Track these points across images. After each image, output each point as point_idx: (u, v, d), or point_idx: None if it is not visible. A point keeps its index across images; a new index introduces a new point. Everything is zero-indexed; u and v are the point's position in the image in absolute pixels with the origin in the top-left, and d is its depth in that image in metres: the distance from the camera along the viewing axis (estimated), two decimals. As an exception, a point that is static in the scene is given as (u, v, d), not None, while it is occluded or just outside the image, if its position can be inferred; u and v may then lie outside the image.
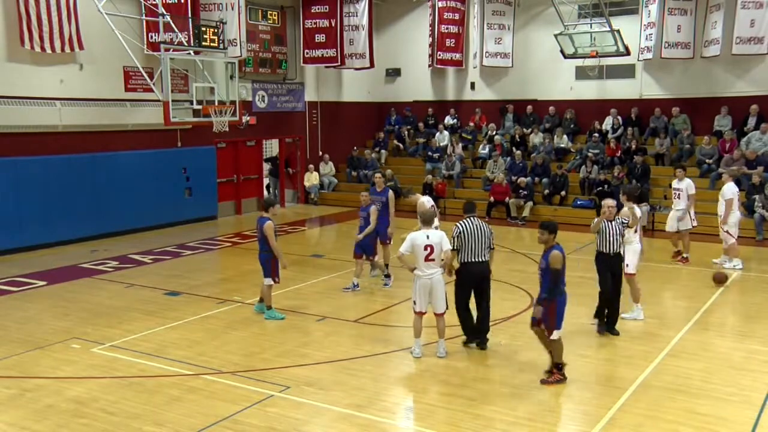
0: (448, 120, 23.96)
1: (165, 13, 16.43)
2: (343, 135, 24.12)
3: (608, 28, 19.23)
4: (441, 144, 22.96)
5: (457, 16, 23.21)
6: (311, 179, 23.14)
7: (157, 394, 7.86)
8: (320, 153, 23.65)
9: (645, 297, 10.73)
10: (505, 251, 15.78)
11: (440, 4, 22.85)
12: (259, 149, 22.57)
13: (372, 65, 22.88)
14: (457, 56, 23.46)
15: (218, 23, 17.14)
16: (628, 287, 10.32)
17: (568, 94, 22.42)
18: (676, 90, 20.90)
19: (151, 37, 17.23)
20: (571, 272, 11.76)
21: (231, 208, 20.98)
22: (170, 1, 17.13)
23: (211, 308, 11.21)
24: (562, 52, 20.55)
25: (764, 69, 19.46)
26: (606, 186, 18.81)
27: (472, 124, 23.62)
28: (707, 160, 19.06)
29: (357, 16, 22.30)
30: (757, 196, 16.88)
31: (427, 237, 8.71)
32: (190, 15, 17.41)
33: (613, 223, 9.58)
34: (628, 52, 19.74)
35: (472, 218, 9.11)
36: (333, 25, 21.69)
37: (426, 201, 11.76)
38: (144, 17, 17.15)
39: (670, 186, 19.00)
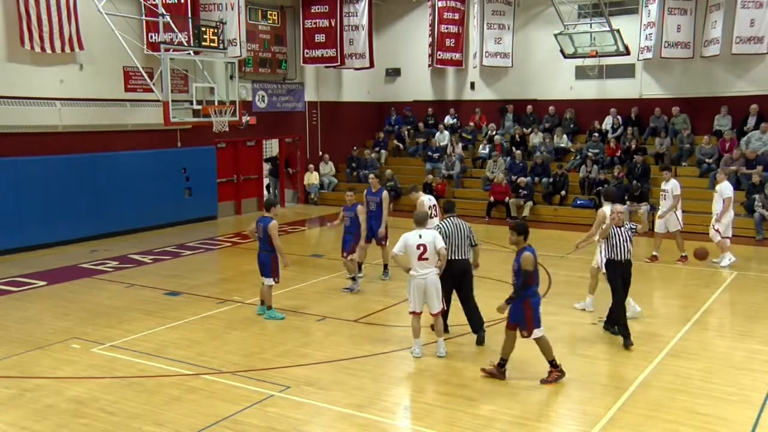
0: (448, 120, 23.96)
1: (165, 13, 16.44)
2: (343, 135, 24.12)
3: (608, 28, 19.23)
4: (441, 144, 22.96)
5: (456, 16, 23.21)
6: (311, 179, 23.13)
7: (157, 394, 7.86)
8: (320, 153, 23.66)
9: (646, 297, 10.75)
10: (506, 251, 15.77)
11: (440, 4, 22.85)
12: (259, 149, 22.57)
13: (372, 65, 22.88)
14: (456, 56, 23.46)
15: (218, 23, 17.15)
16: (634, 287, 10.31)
17: (568, 93, 22.42)
18: (676, 90, 20.89)
19: (151, 37, 17.24)
20: (571, 272, 11.84)
21: (231, 208, 20.98)
22: (170, 1, 17.14)
23: (211, 308, 11.21)
24: (562, 51, 20.55)
25: (764, 69, 19.46)
26: (606, 186, 18.79)
27: (472, 123, 23.62)
28: (707, 160, 19.06)
29: (357, 16, 22.30)
30: (757, 196, 16.87)
31: (420, 236, 8.73)
32: (190, 15, 17.42)
33: (622, 229, 9.36)
34: (628, 52, 19.74)
35: (452, 218, 9.51)
36: (333, 25, 21.70)
37: (426, 200, 11.78)
38: (144, 17, 17.15)
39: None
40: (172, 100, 16.11)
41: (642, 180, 18.80)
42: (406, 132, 24.50)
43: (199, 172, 19.40)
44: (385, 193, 12.81)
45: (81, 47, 16.14)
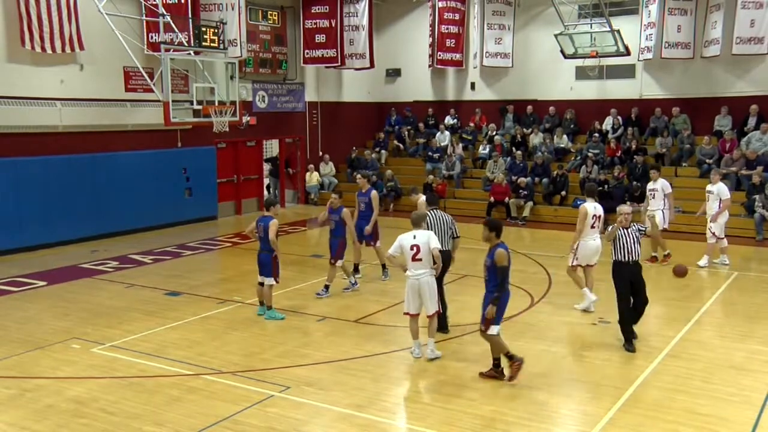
0: (449, 120, 23.97)
1: (165, 13, 16.44)
2: (344, 135, 24.12)
3: (608, 28, 19.23)
4: (441, 144, 22.96)
5: (457, 17, 23.21)
6: (312, 179, 23.13)
7: (157, 394, 7.86)
8: (320, 153, 23.65)
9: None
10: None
11: (440, 4, 22.85)
12: (259, 149, 22.57)
13: (372, 65, 22.88)
14: (457, 56, 23.46)
15: (218, 23, 17.15)
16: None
17: (568, 94, 22.41)
18: (676, 90, 20.89)
19: (152, 37, 17.24)
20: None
21: (231, 209, 20.98)
22: (170, 2, 17.14)
23: (211, 308, 11.21)
24: (562, 52, 20.55)
25: (764, 69, 19.46)
26: (606, 186, 18.80)
27: (472, 124, 23.62)
28: (707, 160, 19.05)
29: (357, 16, 22.30)
30: (757, 196, 16.87)
31: (414, 237, 8.73)
32: (190, 15, 17.42)
33: (629, 230, 9.21)
34: (628, 52, 19.74)
35: (434, 210, 9.96)
36: (333, 25, 21.70)
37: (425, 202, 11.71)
38: (144, 17, 17.16)
39: (670, 186, 19.16)
40: (173, 101, 16.11)
41: (642, 180, 18.74)
42: (406, 132, 24.50)
43: (200, 172, 19.40)
44: (374, 192, 12.85)
45: (81, 47, 16.14)
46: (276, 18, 21.81)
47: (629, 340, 9.13)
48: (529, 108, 22.81)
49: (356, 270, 13.02)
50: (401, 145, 24.26)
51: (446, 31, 23.06)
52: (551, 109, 22.54)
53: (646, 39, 20.00)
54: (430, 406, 7.63)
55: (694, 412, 7.32)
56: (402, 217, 17.52)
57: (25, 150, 15.56)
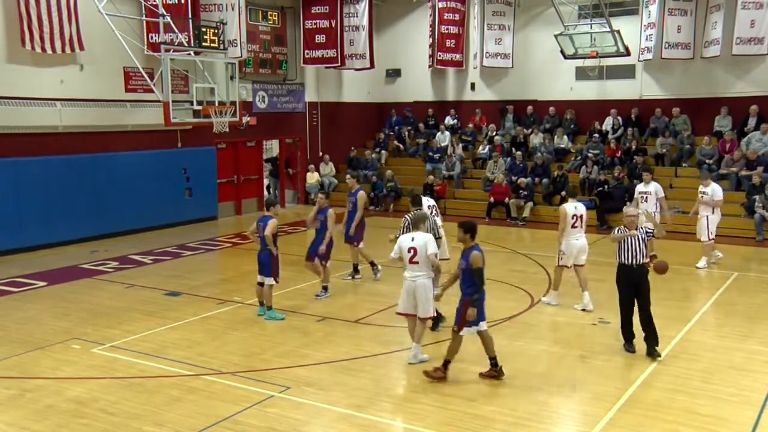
0: (449, 120, 23.98)
1: (165, 13, 16.44)
2: (344, 135, 24.12)
3: (608, 29, 19.24)
4: (441, 144, 22.96)
5: (457, 17, 23.22)
6: (312, 179, 23.13)
7: (157, 394, 7.86)
8: (320, 153, 23.65)
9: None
10: (506, 252, 15.79)
11: (440, 5, 22.85)
12: (259, 150, 22.57)
13: (372, 66, 22.89)
14: (457, 57, 23.46)
15: (218, 24, 17.15)
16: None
17: (568, 94, 22.42)
18: (676, 90, 20.89)
19: (152, 37, 17.25)
20: (571, 272, 11.80)
21: (231, 209, 20.99)
22: (170, 2, 17.14)
23: (212, 309, 11.21)
24: (562, 52, 20.56)
25: (764, 69, 19.46)
26: (606, 186, 18.81)
27: (471, 124, 23.62)
28: (707, 161, 19.05)
29: (357, 16, 22.31)
30: (757, 197, 16.87)
31: (412, 239, 8.71)
32: (190, 16, 17.42)
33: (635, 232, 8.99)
34: (628, 53, 19.75)
35: (418, 210, 10.38)
36: (333, 25, 21.70)
37: (423, 202, 11.68)
38: (144, 18, 17.16)
39: (671, 186, 19.19)
40: (173, 101, 16.11)
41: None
42: (406, 132, 24.50)
43: (200, 172, 19.40)
44: (360, 193, 12.87)
45: (81, 48, 16.14)
46: (276, 18, 21.81)
47: (629, 340, 9.12)
48: (530, 108, 22.82)
49: (356, 270, 13.03)
50: (401, 146, 24.26)
51: (446, 31, 23.06)
52: (551, 109, 22.55)
53: (646, 39, 20.00)
54: (430, 406, 7.63)
55: (694, 413, 7.32)
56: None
57: (25, 150, 15.57)
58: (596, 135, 20.98)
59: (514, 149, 21.42)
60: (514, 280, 12.87)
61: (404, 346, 9.24)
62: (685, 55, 20.10)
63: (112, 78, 17.19)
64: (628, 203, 16.62)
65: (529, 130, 22.32)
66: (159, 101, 16.54)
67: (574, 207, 11.13)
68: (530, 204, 19.78)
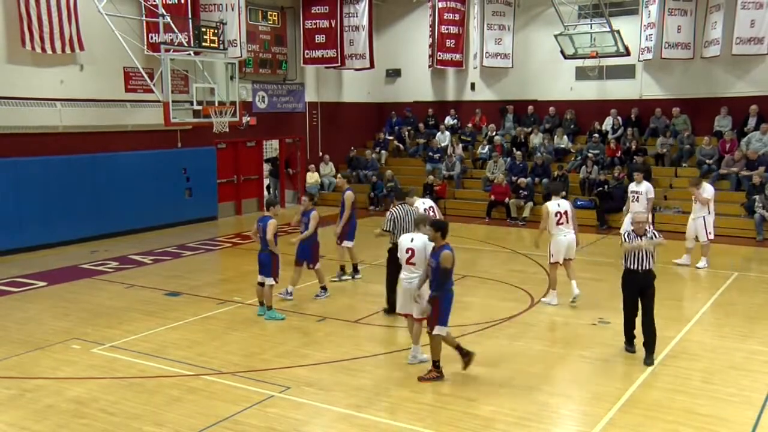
0: (449, 120, 23.99)
1: (165, 13, 16.44)
2: (344, 136, 24.13)
3: (608, 29, 19.23)
4: (441, 144, 22.97)
5: (457, 17, 23.22)
6: (312, 179, 23.12)
7: (157, 394, 7.86)
8: (320, 154, 23.66)
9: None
10: (506, 252, 15.79)
11: (440, 5, 22.86)
12: (259, 150, 22.57)
13: (372, 66, 22.89)
14: (457, 57, 23.47)
15: (218, 24, 17.15)
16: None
17: (568, 94, 22.42)
18: (676, 90, 20.90)
19: (152, 37, 17.24)
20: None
21: (231, 209, 20.99)
22: (170, 2, 17.14)
23: (212, 309, 11.21)
24: (562, 52, 20.56)
25: (764, 69, 19.46)
26: (606, 186, 18.81)
27: (471, 125, 23.62)
28: (707, 161, 19.05)
29: (357, 16, 22.31)
30: (757, 197, 16.87)
31: (411, 240, 8.70)
32: (190, 16, 17.42)
33: (643, 238, 8.80)
34: (628, 53, 19.75)
35: (402, 205, 10.55)
36: (333, 25, 21.71)
37: (420, 204, 11.70)
38: (144, 18, 17.16)
39: (671, 186, 19.19)
40: (173, 101, 16.11)
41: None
42: (406, 132, 24.51)
43: (200, 172, 19.40)
44: (348, 192, 12.83)
45: (81, 48, 16.14)
46: (276, 18, 21.82)
47: (630, 341, 9.12)
48: (530, 108, 22.82)
49: (356, 270, 13.04)
50: (401, 146, 24.27)
51: (446, 31, 23.07)
52: (551, 109, 22.55)
53: (646, 39, 20.00)
54: (430, 406, 7.63)
55: (694, 413, 7.32)
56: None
57: (25, 150, 15.57)
58: (596, 135, 20.99)
59: (514, 149, 21.42)
60: (514, 280, 12.88)
61: (404, 346, 9.24)
62: (685, 55, 20.10)
63: (112, 78, 17.20)
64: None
65: (529, 130, 22.32)
66: (159, 101, 16.55)
67: (557, 204, 11.18)
68: (530, 204, 19.78)
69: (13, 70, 15.38)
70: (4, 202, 15.13)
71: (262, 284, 10.67)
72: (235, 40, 18.46)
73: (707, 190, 13.74)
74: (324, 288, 11.81)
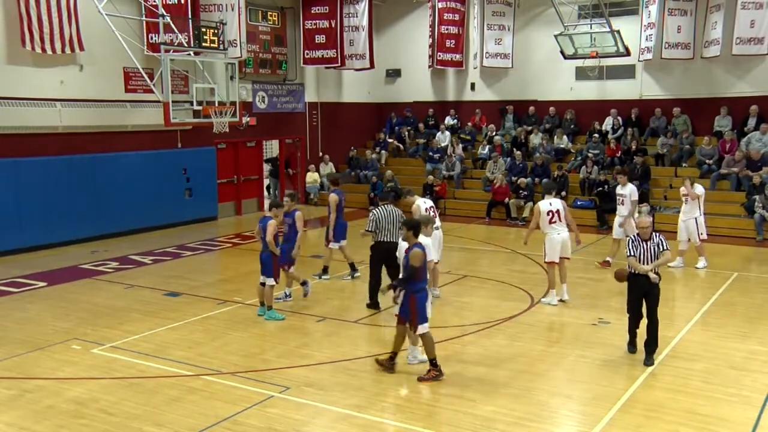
0: (448, 120, 23.99)
1: (165, 14, 16.44)
2: (344, 136, 24.13)
3: (608, 29, 19.23)
4: (441, 144, 22.97)
5: (457, 17, 23.23)
6: (312, 179, 23.12)
7: (157, 394, 7.86)
8: (320, 154, 23.66)
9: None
10: (506, 252, 15.79)
11: (440, 5, 22.85)
12: (259, 150, 22.58)
13: (372, 66, 22.90)
14: (457, 57, 23.47)
15: (218, 24, 17.16)
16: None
17: (568, 94, 22.42)
18: (676, 90, 20.90)
19: (151, 38, 17.24)
20: (571, 273, 11.84)
21: (231, 209, 20.99)
22: (170, 2, 17.14)
23: (211, 309, 11.21)
24: (562, 52, 20.55)
25: (764, 69, 19.46)
26: (606, 186, 18.80)
27: (471, 125, 23.62)
28: (707, 161, 19.05)
29: (357, 16, 22.32)
30: (757, 197, 16.87)
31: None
32: (190, 16, 17.42)
33: (648, 243, 8.71)
34: (628, 53, 19.75)
35: (385, 205, 10.95)
36: (333, 25, 21.71)
37: (422, 203, 11.72)
38: (144, 18, 17.16)
39: (671, 186, 19.19)
40: (173, 101, 16.10)
41: (642, 181, 18.78)
42: (406, 133, 24.51)
43: (200, 172, 19.41)
44: (331, 196, 13.08)
45: (81, 48, 16.14)
46: (276, 18, 21.82)
47: (632, 341, 9.11)
48: (531, 108, 22.82)
49: (353, 269, 13.03)
50: (401, 146, 24.27)
51: (446, 31, 23.07)
52: (551, 109, 22.56)
53: (646, 39, 20.00)
54: (430, 406, 7.64)
55: (694, 413, 7.32)
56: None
57: (25, 151, 15.57)
58: (596, 135, 20.99)
59: (514, 149, 21.42)
60: (514, 280, 12.88)
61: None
62: (685, 55, 20.10)
63: (112, 78, 17.20)
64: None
65: (530, 130, 22.32)
66: (159, 101, 16.54)
67: (548, 203, 11.22)
68: (530, 204, 19.74)
69: (13, 70, 15.38)
70: (4, 203, 15.12)
71: (263, 284, 10.68)
72: (235, 40, 18.46)
73: (698, 188, 13.76)
74: (287, 294, 11.51)
